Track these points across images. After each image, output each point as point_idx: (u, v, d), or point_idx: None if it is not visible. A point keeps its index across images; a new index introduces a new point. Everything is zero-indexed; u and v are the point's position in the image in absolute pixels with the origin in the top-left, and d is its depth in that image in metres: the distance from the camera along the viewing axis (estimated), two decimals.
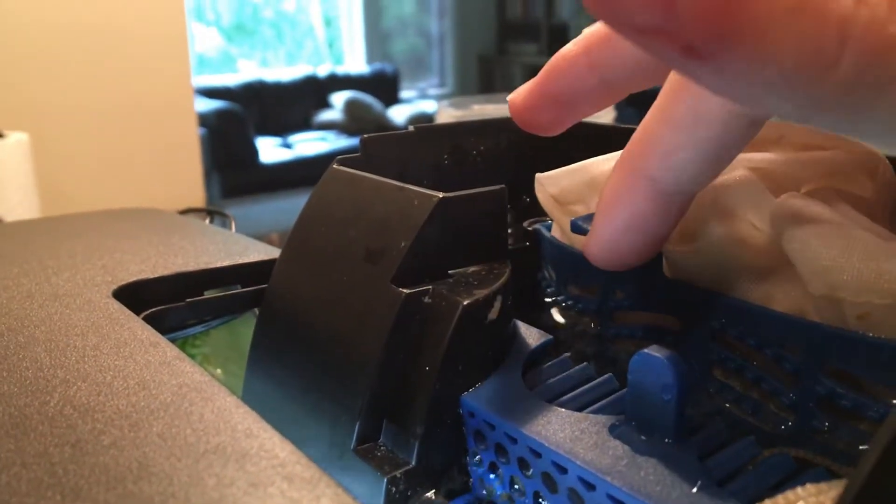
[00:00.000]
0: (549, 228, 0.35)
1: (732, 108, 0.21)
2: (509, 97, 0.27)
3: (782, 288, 0.26)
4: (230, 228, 0.52)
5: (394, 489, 0.28)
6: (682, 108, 0.21)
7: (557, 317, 0.34)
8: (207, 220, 0.58)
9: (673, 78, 0.22)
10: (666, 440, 0.24)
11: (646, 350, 0.24)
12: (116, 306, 0.31)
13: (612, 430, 0.25)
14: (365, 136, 0.37)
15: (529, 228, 0.36)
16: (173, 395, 0.23)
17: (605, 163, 0.32)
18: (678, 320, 0.29)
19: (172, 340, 0.38)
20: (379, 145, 0.38)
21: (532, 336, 0.32)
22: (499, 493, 0.28)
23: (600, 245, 0.25)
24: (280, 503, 0.19)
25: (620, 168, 0.23)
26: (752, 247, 0.26)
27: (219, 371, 0.45)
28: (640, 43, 0.14)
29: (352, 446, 0.28)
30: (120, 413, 0.22)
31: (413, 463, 0.28)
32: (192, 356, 0.42)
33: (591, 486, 0.24)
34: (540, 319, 0.33)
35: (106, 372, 0.25)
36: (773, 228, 0.26)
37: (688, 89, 0.21)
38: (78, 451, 0.20)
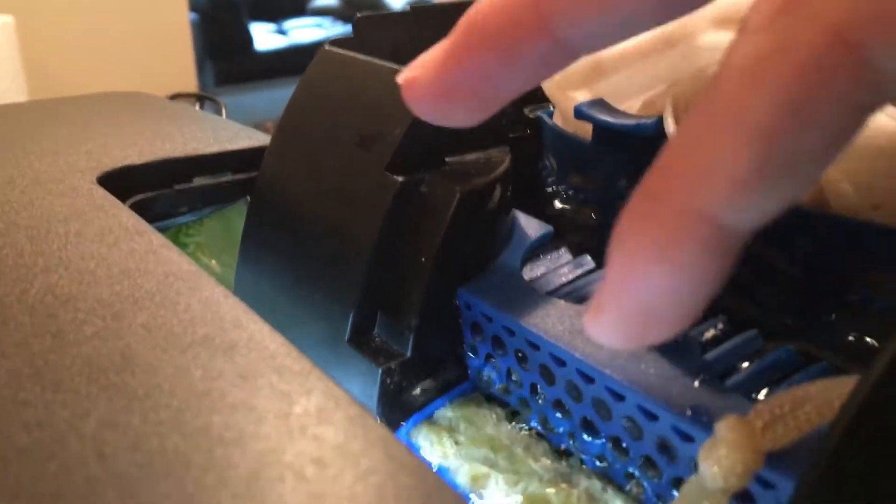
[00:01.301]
0: (550, 115, 0.33)
1: None
2: (403, 76, 0.18)
3: None
4: (221, 115, 0.50)
5: (388, 380, 0.27)
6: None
7: (557, 205, 0.33)
8: (197, 106, 0.56)
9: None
10: None
11: None
12: (101, 193, 0.30)
13: None
14: (358, 15, 0.35)
15: (530, 115, 0.34)
16: (158, 285, 0.22)
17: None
18: None
19: (163, 230, 0.37)
20: (373, 26, 0.36)
21: (531, 227, 0.31)
22: (496, 384, 0.28)
23: (615, 323, 0.16)
24: (269, 396, 0.18)
25: (642, 208, 0.15)
26: None
27: (214, 262, 0.44)
28: None
29: (346, 338, 0.28)
30: (103, 302, 0.21)
31: (408, 354, 0.27)
32: (184, 246, 0.41)
33: (589, 379, 0.23)
34: (540, 210, 0.32)
35: (89, 260, 0.24)
36: None
37: None
38: (59, 342, 0.20)
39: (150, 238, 0.25)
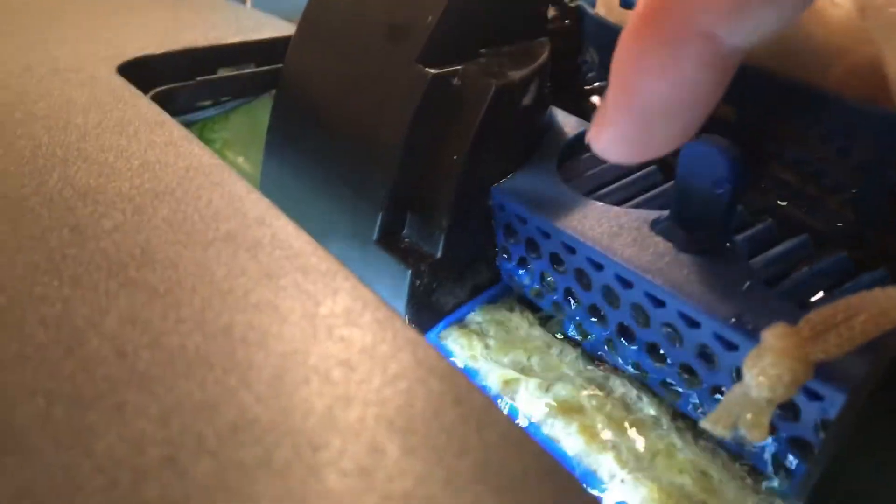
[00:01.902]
0: (593, 4, 0.31)
1: None
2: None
3: (857, 73, 0.23)
4: (245, 4, 0.48)
5: (418, 282, 0.26)
6: None
7: (599, 104, 0.31)
8: None
9: None
10: (713, 237, 0.22)
11: (698, 140, 0.21)
12: (121, 82, 0.28)
13: (655, 225, 0.23)
14: None
15: (571, 4, 0.32)
16: (180, 179, 0.21)
17: None
18: (734, 110, 0.26)
19: (188, 125, 0.36)
20: None
21: (570, 125, 0.29)
22: (529, 288, 0.27)
23: (617, 137, 0.17)
24: (294, 295, 0.17)
25: (643, 29, 0.15)
26: (827, 23, 0.23)
27: (241, 160, 0.43)
28: None
29: (374, 238, 0.27)
30: (122, 196, 0.20)
31: (438, 255, 0.26)
32: (211, 142, 0.40)
33: (628, 284, 0.22)
34: (579, 107, 0.31)
35: (108, 152, 0.23)
36: (855, 2, 0.22)
37: None
38: (77, 235, 0.19)
39: (170, 130, 0.24)
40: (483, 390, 0.16)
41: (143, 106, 0.26)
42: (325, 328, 0.16)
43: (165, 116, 0.25)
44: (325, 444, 0.13)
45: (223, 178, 0.22)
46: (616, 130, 0.17)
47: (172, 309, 0.16)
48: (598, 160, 0.28)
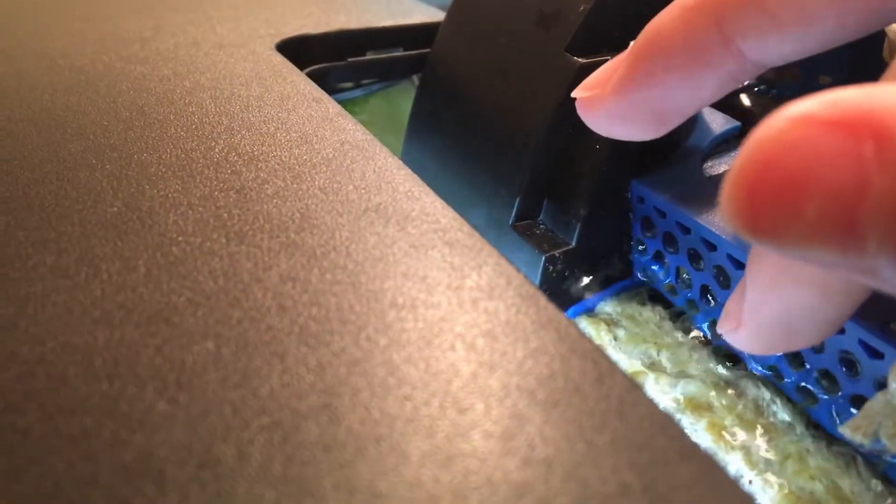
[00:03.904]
0: None
1: None
2: (579, 95, 0.19)
3: None
4: None
5: (551, 268, 0.27)
6: None
7: (746, 102, 0.31)
8: None
9: None
10: None
11: None
12: (280, 59, 0.30)
13: None
14: None
15: None
16: (335, 151, 0.22)
17: None
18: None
19: None
20: None
21: (716, 121, 0.29)
22: (662, 283, 0.27)
23: (758, 336, 0.17)
24: (441, 267, 0.18)
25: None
26: None
27: None
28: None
29: (510, 222, 0.27)
30: (283, 164, 0.22)
31: (573, 244, 0.27)
32: None
33: None
34: (726, 103, 0.30)
35: (269, 123, 0.24)
36: None
37: None
38: (242, 198, 0.20)
39: (326, 106, 0.25)
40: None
41: (300, 82, 0.28)
42: (470, 300, 0.17)
43: (321, 93, 0.27)
44: (471, 406, 0.14)
45: (375, 153, 0.22)
46: (752, 330, 0.17)
47: (329, 271, 0.17)
48: None
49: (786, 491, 0.20)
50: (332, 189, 0.21)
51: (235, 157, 0.22)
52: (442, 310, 0.17)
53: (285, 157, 0.22)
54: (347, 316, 0.16)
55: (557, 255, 0.27)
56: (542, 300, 0.17)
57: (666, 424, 0.14)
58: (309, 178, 0.21)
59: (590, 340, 0.16)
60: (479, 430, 0.14)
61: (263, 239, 0.18)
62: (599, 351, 0.15)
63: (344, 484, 0.12)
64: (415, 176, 0.22)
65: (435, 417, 0.14)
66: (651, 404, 0.14)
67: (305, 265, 0.18)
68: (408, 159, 0.32)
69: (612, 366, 0.15)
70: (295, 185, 0.21)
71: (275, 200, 0.20)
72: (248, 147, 0.23)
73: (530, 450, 0.13)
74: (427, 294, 0.17)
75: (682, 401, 0.23)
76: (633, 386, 0.15)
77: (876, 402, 0.18)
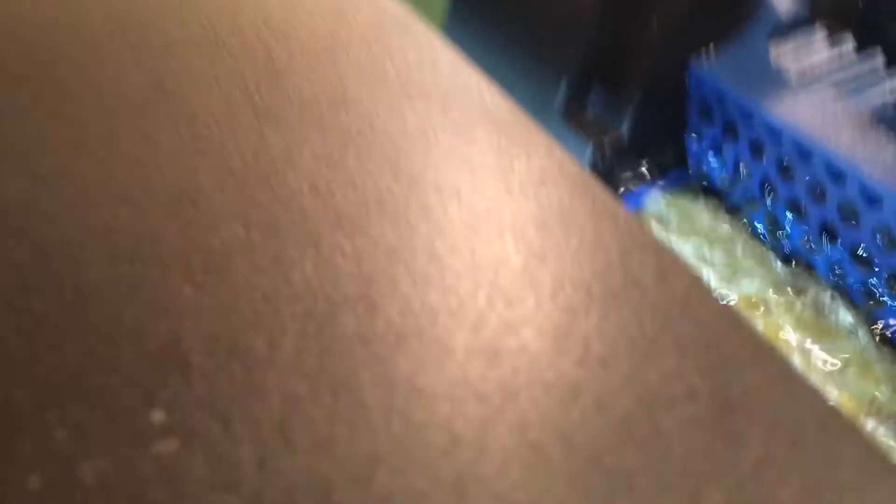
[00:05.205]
0: None
1: None
2: None
3: None
4: None
5: (599, 157, 0.25)
6: None
7: None
8: None
9: None
10: None
11: None
12: None
13: (879, 115, 0.21)
14: None
15: None
16: (372, 26, 0.21)
17: None
18: None
19: None
20: None
21: (783, 1, 0.26)
22: (719, 176, 0.25)
23: None
24: (487, 151, 0.16)
25: None
26: None
27: None
28: None
29: (558, 107, 0.26)
30: (316, 37, 0.20)
31: (624, 130, 0.25)
32: None
33: (840, 178, 0.20)
34: None
35: None
36: None
37: None
38: (271, 72, 0.19)
39: None
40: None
41: None
42: (518, 185, 0.15)
43: None
44: (520, 300, 0.13)
45: (416, 28, 0.21)
46: None
47: (365, 151, 0.16)
48: (812, 40, 0.25)
49: (848, 395, 0.19)
50: (369, 65, 0.19)
51: (264, 29, 0.20)
52: (488, 195, 0.15)
53: (319, 30, 0.20)
54: (385, 200, 0.15)
55: (607, 141, 0.25)
56: (598, 188, 0.16)
57: (736, 324, 0.13)
58: (344, 54, 0.19)
59: (650, 232, 0.14)
60: (529, 325, 0.12)
61: (294, 116, 0.17)
62: (661, 244, 0.14)
63: (383, 378, 0.11)
64: (458, 53, 0.20)
65: (481, 311, 0.13)
66: (719, 303, 0.13)
67: (340, 145, 0.16)
68: (450, 36, 0.30)
69: (677, 260, 0.14)
70: (329, 61, 0.19)
71: (307, 76, 0.19)
72: (278, 19, 0.21)
73: (586, 348, 0.12)
74: (472, 178, 0.16)
75: (736, 300, 0.22)
76: (698, 283, 0.13)
77: None
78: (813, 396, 0.11)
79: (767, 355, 0.12)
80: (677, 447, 0.11)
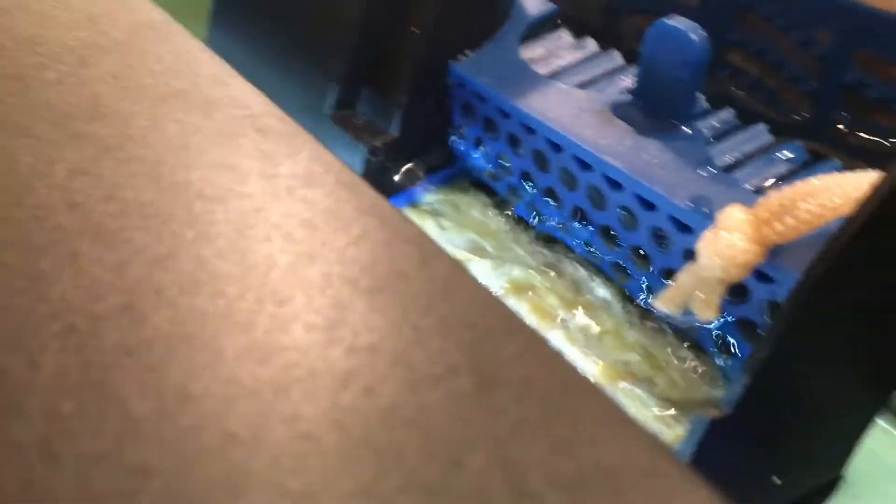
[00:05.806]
0: None
1: None
2: None
3: None
4: None
5: (373, 159, 0.26)
6: None
7: None
8: None
9: None
10: (674, 123, 0.22)
11: (666, 19, 0.21)
12: None
13: (616, 108, 0.23)
14: None
15: None
16: (127, 33, 0.20)
17: None
18: None
19: None
20: None
21: (533, 4, 0.28)
22: (484, 170, 0.27)
23: None
24: (253, 155, 0.17)
25: None
26: None
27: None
28: None
29: (328, 112, 0.26)
30: (66, 47, 0.19)
31: (394, 133, 0.26)
32: None
33: (587, 167, 0.22)
34: None
35: (46, 1, 0.21)
36: None
37: None
38: (21, 86, 0.18)
39: None
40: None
41: None
42: (285, 188, 0.16)
43: None
44: (290, 298, 0.13)
45: (174, 34, 0.20)
46: None
47: (124, 163, 0.16)
48: (560, 42, 0.27)
49: (605, 364, 0.21)
50: (125, 74, 0.19)
51: (7, 40, 0.19)
52: (255, 200, 0.15)
53: (69, 39, 0.20)
54: (148, 210, 0.15)
55: (379, 144, 0.26)
56: (363, 186, 0.16)
57: (491, 303, 0.14)
58: (97, 63, 0.19)
59: (413, 224, 0.15)
60: (299, 322, 0.13)
61: (46, 130, 0.16)
62: (423, 234, 0.15)
63: (151, 387, 0.11)
64: (220, 59, 0.20)
65: (251, 312, 0.13)
66: (476, 284, 0.14)
67: (97, 157, 0.16)
68: (213, 43, 0.30)
69: (437, 248, 0.15)
70: (81, 71, 0.18)
71: (58, 88, 0.18)
72: (22, 28, 0.20)
73: (354, 338, 0.13)
74: (238, 184, 0.16)
75: (507, 286, 0.23)
76: (458, 267, 0.14)
77: (685, 274, 0.19)
78: (558, 362, 0.13)
79: (519, 329, 0.13)
80: (441, 420, 0.12)
